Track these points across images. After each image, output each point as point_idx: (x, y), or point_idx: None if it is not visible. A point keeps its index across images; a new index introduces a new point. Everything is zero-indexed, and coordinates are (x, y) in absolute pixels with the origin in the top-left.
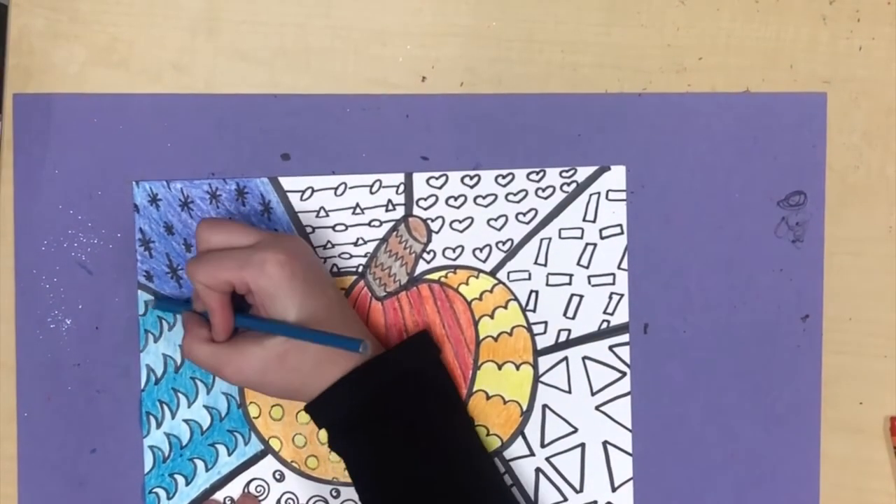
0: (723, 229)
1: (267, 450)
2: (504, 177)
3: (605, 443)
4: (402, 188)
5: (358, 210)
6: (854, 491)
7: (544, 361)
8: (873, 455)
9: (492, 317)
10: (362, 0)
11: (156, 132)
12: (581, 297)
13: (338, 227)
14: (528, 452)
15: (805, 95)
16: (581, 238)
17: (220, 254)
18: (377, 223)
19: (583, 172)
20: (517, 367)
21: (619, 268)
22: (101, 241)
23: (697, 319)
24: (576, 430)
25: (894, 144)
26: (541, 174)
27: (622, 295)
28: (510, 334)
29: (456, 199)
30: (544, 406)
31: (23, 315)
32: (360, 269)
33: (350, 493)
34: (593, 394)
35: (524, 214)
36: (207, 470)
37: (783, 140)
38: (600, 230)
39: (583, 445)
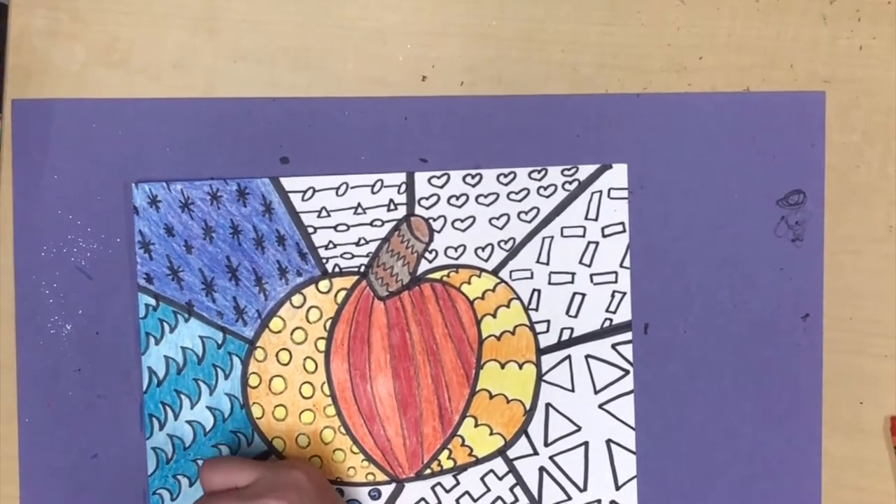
0: (722, 228)
1: (270, 451)
2: (506, 176)
3: (608, 441)
4: (403, 188)
5: (360, 210)
6: (854, 491)
7: (547, 360)
8: (873, 455)
9: (494, 316)
10: (362, 0)
11: (154, 137)
12: (583, 295)
13: (339, 227)
14: (531, 451)
15: (803, 94)
16: (583, 236)
17: (219, 498)
18: (379, 223)
19: (584, 171)
20: (520, 366)
21: (621, 266)
22: (100, 246)
23: (697, 319)
24: (579, 429)
25: (894, 144)
26: (542, 173)
27: (624, 293)
28: (513, 333)
29: (458, 198)
30: (547, 405)
31: (23, 321)
32: (363, 268)
33: (353, 493)
34: (596, 392)
35: (526, 213)
36: None
37: (782, 139)
38: (602, 228)
39: (586, 444)
